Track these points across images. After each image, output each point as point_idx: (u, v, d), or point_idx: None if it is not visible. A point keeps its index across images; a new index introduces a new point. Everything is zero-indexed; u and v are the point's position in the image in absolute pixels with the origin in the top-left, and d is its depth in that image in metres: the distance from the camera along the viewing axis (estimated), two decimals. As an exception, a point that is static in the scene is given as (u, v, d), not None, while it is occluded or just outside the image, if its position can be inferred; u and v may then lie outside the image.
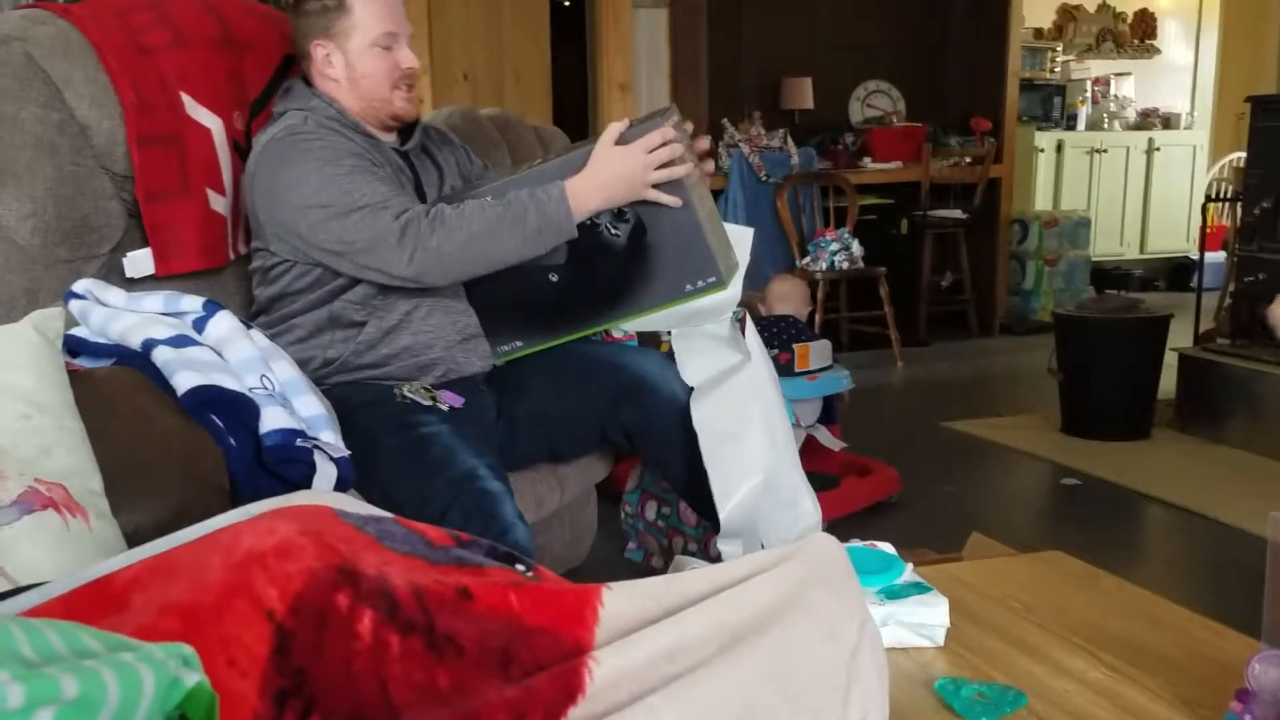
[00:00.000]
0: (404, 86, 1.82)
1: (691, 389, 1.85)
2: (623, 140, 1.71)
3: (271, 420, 1.42)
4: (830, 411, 3.09)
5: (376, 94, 1.81)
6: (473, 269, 1.74)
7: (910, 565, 1.33)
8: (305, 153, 1.72)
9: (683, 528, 2.16)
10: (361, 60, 1.79)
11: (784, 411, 1.93)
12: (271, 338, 1.73)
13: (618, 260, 1.79)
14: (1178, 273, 6.77)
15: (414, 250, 1.67)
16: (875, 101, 5.92)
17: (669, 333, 1.95)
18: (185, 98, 1.82)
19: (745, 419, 1.83)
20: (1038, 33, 6.62)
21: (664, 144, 1.70)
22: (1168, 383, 3.70)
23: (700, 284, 1.79)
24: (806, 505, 1.88)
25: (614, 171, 1.70)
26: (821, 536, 1.00)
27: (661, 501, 2.21)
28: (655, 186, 1.72)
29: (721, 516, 1.80)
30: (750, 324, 1.96)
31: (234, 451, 1.38)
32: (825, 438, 3.00)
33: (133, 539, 1.16)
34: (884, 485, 3.01)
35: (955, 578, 1.41)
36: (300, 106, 1.80)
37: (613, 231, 1.78)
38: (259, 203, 1.78)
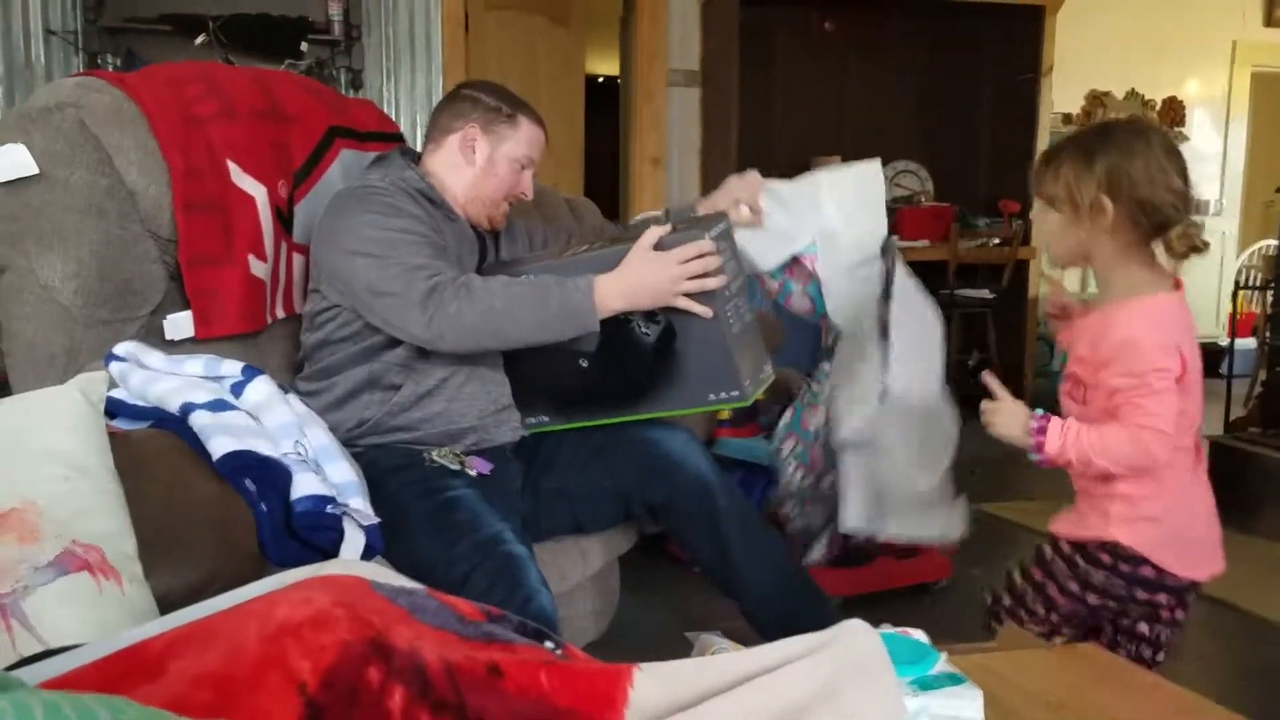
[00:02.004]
0: (509, 203, 1.95)
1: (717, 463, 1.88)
2: (661, 246, 1.73)
3: (303, 486, 1.42)
4: None
5: (491, 196, 1.92)
6: (489, 342, 1.76)
7: (944, 655, 1.31)
8: (369, 205, 1.78)
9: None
10: (500, 164, 1.91)
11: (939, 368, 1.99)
12: (309, 395, 1.75)
13: (645, 359, 1.81)
14: (1207, 358, 6.67)
15: (434, 313, 1.69)
16: (904, 181, 5.96)
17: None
18: (231, 166, 1.86)
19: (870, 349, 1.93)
20: (1066, 118, 6.66)
21: (700, 255, 1.71)
22: (1198, 471, 3.65)
23: (723, 395, 1.80)
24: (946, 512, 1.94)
25: (641, 277, 1.71)
26: (857, 625, 0.99)
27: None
28: (689, 295, 1.73)
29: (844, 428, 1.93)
30: (901, 260, 1.97)
31: (264, 517, 1.38)
32: None
33: (163, 603, 1.16)
34: (930, 568, 2.95)
35: (987, 669, 1.38)
36: (391, 173, 1.88)
37: (643, 330, 1.79)
38: (317, 244, 1.84)
